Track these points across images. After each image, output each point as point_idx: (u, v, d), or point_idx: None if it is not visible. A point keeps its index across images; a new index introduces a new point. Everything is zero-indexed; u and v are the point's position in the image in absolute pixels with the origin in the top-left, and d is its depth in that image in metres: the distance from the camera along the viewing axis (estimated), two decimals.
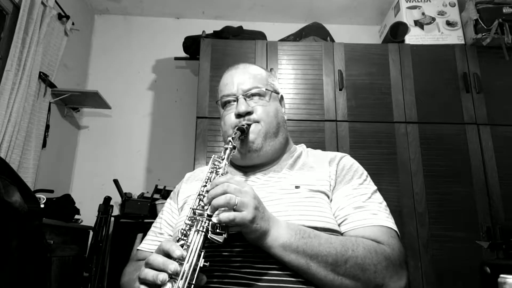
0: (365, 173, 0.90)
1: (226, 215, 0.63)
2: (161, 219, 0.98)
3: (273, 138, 0.93)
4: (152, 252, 0.90)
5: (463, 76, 2.33)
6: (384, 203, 0.84)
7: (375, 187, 0.87)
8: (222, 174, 0.77)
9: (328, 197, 0.83)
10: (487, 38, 2.33)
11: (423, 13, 2.54)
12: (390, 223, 0.79)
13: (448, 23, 2.51)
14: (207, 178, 0.77)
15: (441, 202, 2.10)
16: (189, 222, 0.66)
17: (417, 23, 2.52)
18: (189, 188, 0.98)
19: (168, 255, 0.61)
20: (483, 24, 2.35)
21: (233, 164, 0.98)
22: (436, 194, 2.12)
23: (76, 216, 2.26)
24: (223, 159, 0.80)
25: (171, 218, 0.96)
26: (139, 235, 2.24)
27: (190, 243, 0.62)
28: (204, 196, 0.70)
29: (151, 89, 3.01)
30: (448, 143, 2.21)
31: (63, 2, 2.52)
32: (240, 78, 0.97)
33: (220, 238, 0.63)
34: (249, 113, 0.92)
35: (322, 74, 2.33)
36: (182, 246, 0.62)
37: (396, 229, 0.80)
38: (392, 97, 2.29)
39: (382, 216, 0.79)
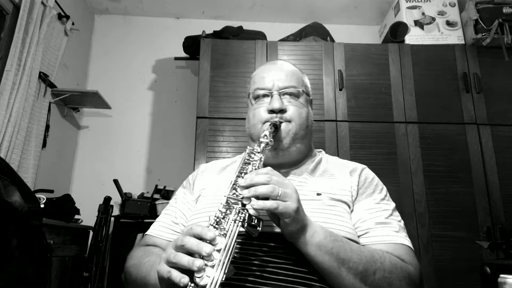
0: (385, 188, 0.91)
1: (270, 203, 0.62)
2: (175, 208, 0.95)
3: (300, 140, 0.92)
4: (162, 238, 0.89)
5: (463, 76, 2.33)
6: (402, 221, 0.85)
7: (394, 204, 0.88)
8: (258, 167, 0.75)
9: (349, 207, 0.83)
10: (487, 38, 2.33)
11: (423, 13, 2.54)
12: (409, 242, 0.80)
13: (448, 23, 2.51)
14: (241, 169, 0.75)
15: (441, 202, 2.10)
16: (224, 211, 0.64)
17: (417, 23, 2.52)
18: (204, 180, 0.96)
19: (199, 238, 0.58)
20: (483, 24, 2.35)
21: None
22: (436, 194, 2.12)
23: (76, 216, 2.26)
24: (258, 152, 0.79)
25: (186, 208, 0.93)
26: (139, 235, 2.24)
27: (227, 232, 0.60)
28: (238, 186, 0.68)
29: (151, 89, 3.01)
30: (448, 143, 2.21)
31: (63, 2, 2.52)
32: (277, 74, 0.95)
33: (255, 231, 0.62)
34: (282, 110, 0.91)
35: (322, 74, 2.33)
36: None
37: (413, 248, 0.81)
38: (392, 97, 2.29)
39: (402, 235, 0.80)
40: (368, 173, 0.92)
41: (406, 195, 2.10)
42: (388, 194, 0.90)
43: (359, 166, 0.94)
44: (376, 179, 0.92)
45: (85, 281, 2.17)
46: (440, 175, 2.15)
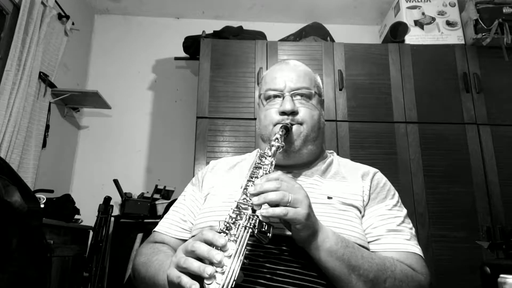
0: (397, 193, 0.90)
1: (279, 210, 0.61)
2: (183, 205, 0.94)
3: (312, 142, 0.91)
4: (171, 236, 0.89)
5: (463, 76, 2.33)
6: (413, 229, 0.85)
7: (406, 210, 0.87)
8: (269, 171, 0.74)
9: (360, 212, 0.82)
10: (487, 38, 2.33)
11: (423, 13, 2.54)
12: (420, 251, 0.80)
13: (448, 23, 2.51)
14: (251, 173, 0.74)
15: (441, 202, 2.10)
16: (234, 216, 0.63)
17: (417, 23, 2.52)
18: (214, 178, 0.95)
19: (210, 244, 0.58)
20: (483, 24, 2.35)
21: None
22: (436, 194, 2.12)
23: (76, 216, 2.26)
24: (269, 156, 0.78)
25: (194, 206, 0.93)
26: (139, 235, 2.24)
27: (237, 238, 0.60)
28: (248, 192, 0.67)
29: (151, 89, 3.01)
30: (448, 143, 2.21)
31: (63, 2, 2.52)
32: (289, 74, 0.93)
33: (265, 238, 0.62)
34: (294, 112, 0.89)
35: (322, 74, 2.33)
36: None
37: (424, 257, 0.80)
38: (392, 97, 2.29)
39: (413, 243, 0.80)
40: (381, 178, 0.91)
41: (406, 195, 2.10)
42: (400, 200, 0.89)
43: (371, 170, 0.93)
44: (388, 184, 0.91)
45: (85, 281, 2.17)
46: (440, 175, 2.15)
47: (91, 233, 2.35)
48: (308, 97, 0.93)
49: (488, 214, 2.08)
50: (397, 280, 0.68)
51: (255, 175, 0.73)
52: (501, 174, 2.15)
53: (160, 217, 2.26)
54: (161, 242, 0.88)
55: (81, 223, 2.31)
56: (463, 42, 2.45)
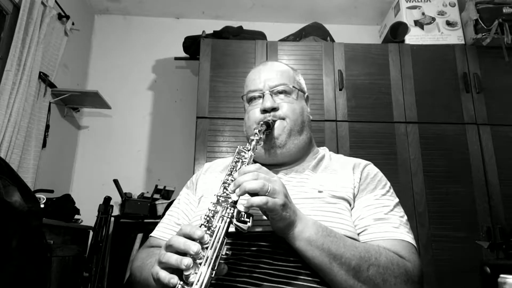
0: (388, 184, 0.89)
1: (259, 199, 0.62)
2: (178, 209, 0.95)
3: (297, 136, 0.92)
4: (165, 240, 0.89)
5: (463, 76, 2.33)
6: (405, 217, 0.83)
7: (397, 200, 0.86)
8: (247, 164, 0.75)
9: (350, 205, 0.82)
10: (487, 38, 2.33)
11: (423, 13, 2.54)
12: (410, 238, 0.78)
13: (448, 23, 2.51)
14: (232, 167, 0.75)
15: (441, 202, 2.10)
16: (214, 209, 0.65)
17: (417, 23, 2.52)
18: (207, 180, 0.96)
19: (189, 237, 0.59)
20: (483, 24, 2.35)
21: (255, 161, 0.96)
22: (436, 194, 2.12)
23: (76, 216, 2.26)
24: (248, 150, 0.79)
25: (188, 209, 0.94)
26: (139, 235, 2.25)
27: (215, 229, 0.61)
28: (229, 185, 0.69)
29: (151, 89, 3.01)
30: (448, 143, 2.21)
31: (63, 2, 2.52)
32: (267, 74, 0.97)
33: (244, 226, 0.62)
34: (274, 109, 0.92)
35: (322, 74, 2.33)
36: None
37: (415, 245, 0.79)
38: (392, 97, 2.29)
39: (403, 231, 0.78)
40: (371, 169, 0.91)
41: (406, 195, 2.10)
42: (391, 190, 0.88)
43: (362, 162, 0.93)
44: (380, 175, 0.90)
45: (85, 281, 2.17)
46: (440, 175, 2.15)
47: (91, 233, 2.35)
48: (288, 92, 0.95)
49: (488, 214, 2.08)
50: (381, 267, 0.67)
51: (234, 169, 0.74)
52: (501, 174, 2.15)
53: (160, 217, 2.27)
54: (157, 246, 0.89)
55: (81, 223, 2.31)
56: (463, 42, 2.45)
